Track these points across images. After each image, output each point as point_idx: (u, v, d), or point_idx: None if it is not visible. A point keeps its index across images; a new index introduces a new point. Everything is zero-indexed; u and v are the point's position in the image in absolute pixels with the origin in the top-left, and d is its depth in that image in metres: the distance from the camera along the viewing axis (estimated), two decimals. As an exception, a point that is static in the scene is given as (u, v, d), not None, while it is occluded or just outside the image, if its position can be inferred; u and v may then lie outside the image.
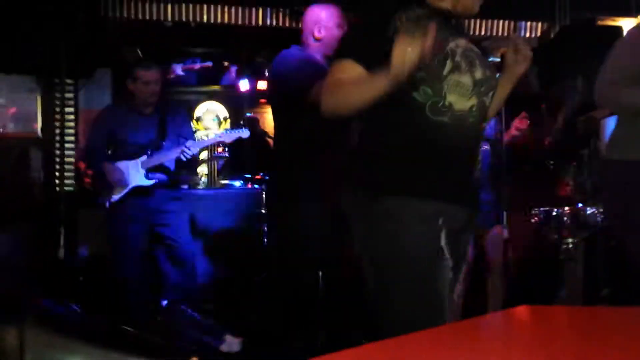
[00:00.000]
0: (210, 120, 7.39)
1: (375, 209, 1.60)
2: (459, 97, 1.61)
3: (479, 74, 1.66)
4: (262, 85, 6.59)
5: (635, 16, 5.00)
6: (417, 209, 1.58)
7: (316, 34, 2.82)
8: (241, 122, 5.60)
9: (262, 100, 6.94)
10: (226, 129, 3.71)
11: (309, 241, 2.78)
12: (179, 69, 7.00)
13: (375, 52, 1.52)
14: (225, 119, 7.43)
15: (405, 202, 1.58)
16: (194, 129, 7.19)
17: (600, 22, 4.93)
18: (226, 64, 7.05)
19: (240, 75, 6.62)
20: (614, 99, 2.27)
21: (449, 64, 1.60)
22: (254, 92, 6.72)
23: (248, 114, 6.44)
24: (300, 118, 2.69)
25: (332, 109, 1.60)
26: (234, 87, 6.94)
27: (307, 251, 2.80)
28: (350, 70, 1.56)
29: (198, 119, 7.37)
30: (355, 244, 1.68)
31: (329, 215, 2.70)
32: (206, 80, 7.11)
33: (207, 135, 7.43)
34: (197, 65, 6.99)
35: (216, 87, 7.14)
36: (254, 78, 6.53)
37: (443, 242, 1.57)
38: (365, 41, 1.61)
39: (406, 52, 1.42)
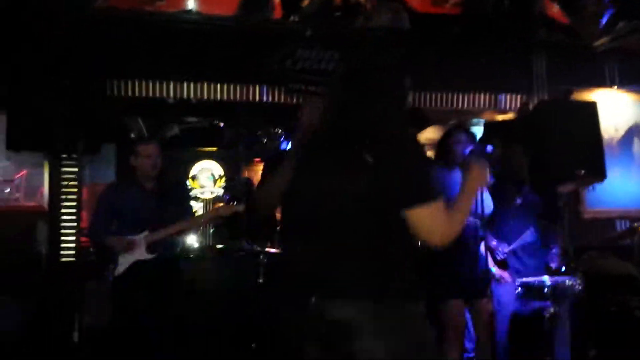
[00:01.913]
0: (206, 179, 7.62)
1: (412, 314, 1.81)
2: None
3: None
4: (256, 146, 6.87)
5: (610, 87, 5.34)
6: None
7: None
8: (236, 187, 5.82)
9: (257, 159, 7.20)
10: (224, 204, 3.90)
11: None
12: (175, 129, 7.26)
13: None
14: (220, 177, 7.66)
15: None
16: (190, 187, 7.43)
17: (576, 94, 5.24)
18: (222, 124, 7.31)
19: (236, 138, 6.88)
20: None
21: None
22: (249, 153, 6.98)
23: (243, 177, 6.67)
24: None
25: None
26: (229, 147, 7.21)
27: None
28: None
29: (194, 177, 7.60)
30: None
31: None
32: (203, 140, 7.37)
33: (202, 193, 7.68)
34: (193, 125, 7.26)
35: (213, 149, 7.38)
36: (249, 140, 6.81)
37: None
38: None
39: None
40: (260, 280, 4.20)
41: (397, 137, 1.84)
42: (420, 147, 1.95)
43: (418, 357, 1.73)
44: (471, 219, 3.68)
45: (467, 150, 3.71)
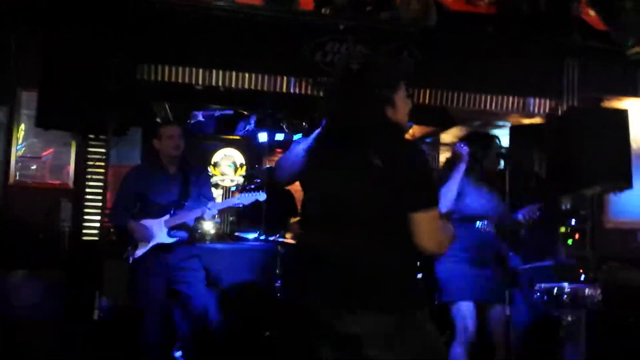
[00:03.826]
0: (227, 166, 7.65)
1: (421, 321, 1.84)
2: None
3: None
4: (279, 136, 6.86)
5: (640, 96, 5.25)
6: None
7: None
8: (257, 177, 5.84)
9: (279, 150, 7.21)
10: (244, 192, 3.90)
11: None
12: (199, 116, 7.29)
13: None
14: (241, 165, 7.69)
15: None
16: (211, 174, 7.46)
17: (607, 102, 5.16)
18: (245, 113, 7.31)
19: (259, 127, 6.88)
20: None
21: None
22: (271, 143, 6.98)
23: (266, 166, 6.68)
24: None
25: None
26: (252, 136, 7.22)
27: None
28: None
29: (215, 164, 7.63)
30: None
31: None
32: (225, 128, 7.39)
33: (222, 180, 7.71)
34: (217, 113, 7.28)
35: (235, 137, 7.40)
36: (272, 130, 6.80)
37: None
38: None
39: None
40: (278, 271, 4.21)
41: (403, 142, 1.88)
42: (423, 153, 1.95)
43: None
44: (485, 222, 3.64)
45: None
